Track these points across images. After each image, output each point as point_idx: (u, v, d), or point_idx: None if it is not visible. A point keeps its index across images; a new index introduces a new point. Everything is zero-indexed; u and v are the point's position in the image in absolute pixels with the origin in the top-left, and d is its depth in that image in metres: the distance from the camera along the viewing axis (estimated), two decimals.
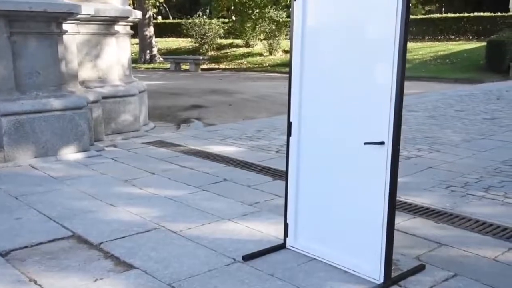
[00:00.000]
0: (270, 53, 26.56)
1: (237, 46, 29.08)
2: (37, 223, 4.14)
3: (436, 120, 8.87)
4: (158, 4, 30.57)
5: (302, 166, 3.48)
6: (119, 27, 7.82)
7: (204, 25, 28.44)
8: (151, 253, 3.55)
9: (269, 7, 26.10)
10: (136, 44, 27.63)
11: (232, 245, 3.67)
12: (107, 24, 7.54)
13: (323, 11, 3.24)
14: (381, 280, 3.09)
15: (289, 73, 3.42)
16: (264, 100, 13.08)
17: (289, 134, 3.47)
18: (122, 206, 4.53)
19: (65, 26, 6.50)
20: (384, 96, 2.91)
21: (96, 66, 7.57)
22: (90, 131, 6.59)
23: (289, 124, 3.46)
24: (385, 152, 2.95)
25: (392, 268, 3.15)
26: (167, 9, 41.43)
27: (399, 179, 3.10)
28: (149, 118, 9.11)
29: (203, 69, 24.33)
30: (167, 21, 39.25)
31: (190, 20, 28.93)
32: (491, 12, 25.86)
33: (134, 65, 17.40)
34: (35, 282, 3.15)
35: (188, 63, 24.44)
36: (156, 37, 29.39)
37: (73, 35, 6.97)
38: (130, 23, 8.30)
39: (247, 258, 3.45)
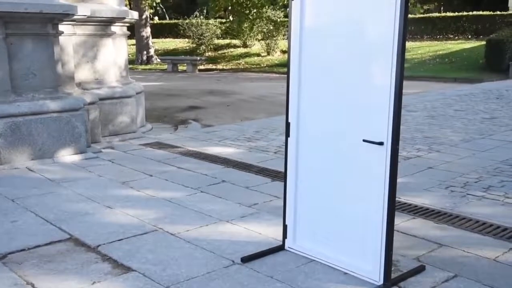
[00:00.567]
0: (268, 54, 26.56)
1: (235, 46, 29.07)
2: (34, 226, 4.12)
3: (435, 120, 8.86)
4: (154, 4, 30.52)
5: (300, 167, 3.46)
6: (116, 28, 7.79)
7: (201, 25, 28.42)
8: (149, 255, 3.54)
9: (267, 7, 26.08)
10: (133, 45, 27.59)
11: (231, 247, 3.65)
12: (104, 25, 7.51)
13: (321, 11, 3.22)
14: (381, 281, 3.08)
15: (287, 73, 3.40)
16: (262, 101, 13.07)
17: (287, 134, 3.46)
18: (119, 208, 4.51)
19: (61, 27, 6.47)
20: (383, 97, 2.90)
21: (93, 67, 7.54)
22: (87, 133, 6.56)
23: (288, 125, 3.44)
24: (384, 153, 2.94)
25: (392, 269, 3.14)
26: (164, 10, 41.41)
27: (399, 180, 3.09)
28: (147, 119, 9.09)
29: (200, 70, 24.31)
30: (164, 21, 39.22)
31: (187, 21, 28.90)
32: (490, 11, 25.88)
33: (131, 66, 17.38)
34: (33, 286, 3.13)
35: (185, 64, 24.40)
36: (153, 37, 29.35)
37: (69, 36, 6.94)
38: (127, 24, 8.27)
39: (246, 260, 3.43)
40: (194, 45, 28.84)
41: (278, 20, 26.21)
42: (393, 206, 3.02)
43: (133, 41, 27.37)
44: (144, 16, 26.81)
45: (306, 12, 3.23)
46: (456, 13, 27.36)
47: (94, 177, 5.56)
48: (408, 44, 21.20)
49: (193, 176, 5.52)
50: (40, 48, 6.09)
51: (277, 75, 21.06)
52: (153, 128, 8.87)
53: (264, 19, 26.25)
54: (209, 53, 28.27)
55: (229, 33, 29.06)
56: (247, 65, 25.30)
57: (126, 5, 10.32)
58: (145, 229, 4.02)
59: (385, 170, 2.96)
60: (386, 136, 2.92)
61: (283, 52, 25.51)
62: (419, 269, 3.28)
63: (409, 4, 2.83)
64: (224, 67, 25.38)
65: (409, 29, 25.27)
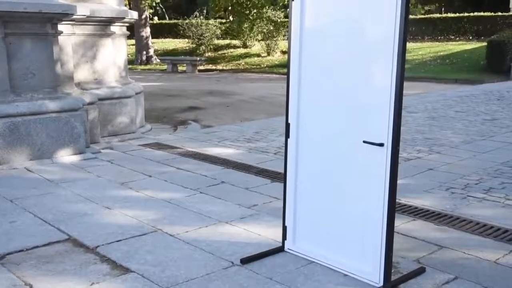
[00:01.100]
0: (268, 54, 26.54)
1: (235, 47, 29.05)
2: (33, 226, 4.10)
3: (436, 121, 8.85)
4: (154, 4, 30.49)
5: (300, 168, 3.44)
6: (115, 28, 7.77)
7: (201, 25, 28.40)
8: (148, 256, 3.52)
9: (267, 7, 26.07)
10: (132, 45, 27.57)
11: (230, 248, 3.64)
12: (103, 25, 7.50)
13: (322, 11, 3.21)
14: (381, 283, 3.06)
15: (287, 74, 3.38)
16: (262, 102, 13.06)
17: (287, 135, 3.44)
18: (118, 209, 4.49)
19: (60, 27, 6.45)
20: (383, 97, 2.89)
21: (92, 67, 7.52)
22: (86, 133, 6.55)
23: (287, 126, 3.43)
24: (385, 154, 2.92)
25: (392, 271, 3.12)
26: (164, 10, 41.39)
27: (399, 181, 3.08)
28: (146, 120, 9.07)
29: (200, 70, 24.29)
30: (164, 21, 39.20)
31: (187, 21, 28.88)
32: (491, 12, 25.86)
33: (130, 66, 17.36)
34: (31, 287, 3.12)
35: (185, 64, 24.39)
36: (152, 38, 29.32)
37: (69, 36, 6.92)
38: (126, 24, 8.26)
39: (245, 261, 3.42)
40: (194, 46, 28.83)
41: (278, 20, 26.20)
42: (393, 208, 3.01)
43: (133, 41, 27.34)
44: (143, 16, 26.80)
45: (306, 12, 3.22)
46: (457, 14, 27.35)
47: (93, 177, 5.54)
48: (409, 45, 21.20)
49: (192, 177, 5.50)
50: (39, 48, 6.07)
51: (277, 75, 21.05)
52: (152, 129, 8.86)
53: (264, 19, 26.25)
54: (209, 54, 28.26)
55: (229, 33, 29.04)
56: (247, 66, 25.29)
57: (125, 5, 10.30)
58: (144, 230, 4.00)
59: (385, 172, 2.94)
60: (386, 137, 2.91)
61: (283, 52, 25.49)
62: (419, 271, 3.26)
63: (409, 4, 2.82)
64: (224, 68, 25.37)
65: (410, 30, 25.30)
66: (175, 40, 32.31)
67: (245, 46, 28.53)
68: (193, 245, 3.71)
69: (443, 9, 36.54)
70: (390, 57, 2.83)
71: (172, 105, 12.34)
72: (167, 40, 33.74)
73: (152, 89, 14.95)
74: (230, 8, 28.12)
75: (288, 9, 3.48)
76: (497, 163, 5.93)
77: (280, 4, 26.18)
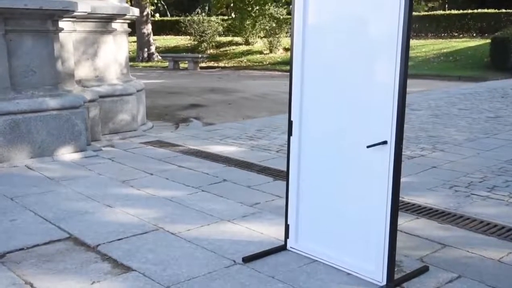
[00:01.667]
0: (271, 51, 26.51)
1: (237, 44, 29.02)
2: (33, 224, 4.09)
3: (439, 118, 8.81)
4: (156, 1, 30.48)
5: (303, 166, 3.42)
6: (116, 25, 7.75)
7: (203, 22, 28.38)
8: (149, 255, 3.51)
9: (269, 4, 26.01)
10: (134, 42, 27.55)
11: (232, 247, 3.62)
12: (104, 21, 7.47)
13: (324, 8, 3.18)
14: (384, 282, 3.05)
15: (290, 71, 3.36)
16: (264, 99, 13.04)
17: (290, 133, 3.42)
18: (119, 207, 4.48)
19: (61, 24, 6.43)
20: (387, 95, 2.86)
21: (93, 64, 7.50)
22: (87, 131, 6.53)
23: (290, 123, 3.40)
24: (388, 152, 2.90)
25: (395, 269, 3.11)
26: (165, 6, 41.35)
27: (402, 179, 3.06)
28: (147, 117, 9.06)
29: (202, 68, 24.28)
30: (165, 18, 39.17)
31: (188, 18, 28.86)
32: (495, 9, 25.74)
33: (131, 63, 17.36)
34: (31, 285, 3.11)
35: (186, 61, 24.37)
36: (154, 34, 29.31)
37: (69, 33, 6.90)
38: (128, 21, 8.23)
39: (248, 260, 3.40)
40: (196, 43, 28.81)
41: (281, 17, 26.17)
42: (397, 206, 2.99)
43: (134, 38, 27.33)
44: (145, 13, 26.77)
45: (309, 9, 3.19)
46: (461, 11, 27.25)
47: (94, 175, 5.52)
48: (412, 42, 21.13)
49: (194, 175, 5.48)
50: (40, 45, 6.05)
51: (280, 73, 21.03)
52: (154, 126, 8.85)
53: (266, 16, 26.20)
54: (211, 51, 28.23)
55: (231, 30, 29.00)
56: (249, 63, 25.26)
57: (127, 2, 10.27)
58: (145, 228, 3.98)
59: (388, 169, 2.92)
60: (389, 135, 2.88)
61: (286, 49, 25.45)
62: (423, 270, 3.25)
63: (413, 1, 2.79)
64: (226, 65, 25.35)
65: (413, 27, 25.18)
66: (177, 37, 32.30)
67: (247, 43, 28.49)
68: (194, 243, 3.69)
69: (446, 5, 36.42)
70: (393, 54, 2.80)
71: (174, 103, 12.33)
72: (168, 37, 33.71)
73: (153, 86, 14.93)
74: (232, 4, 28.05)
75: (290, 6, 3.45)
76: (501, 161, 5.90)
77: (283, 1, 26.13)
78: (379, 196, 2.99)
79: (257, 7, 26.04)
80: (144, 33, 27.54)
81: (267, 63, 24.66)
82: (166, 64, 25.26)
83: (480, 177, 5.27)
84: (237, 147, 6.84)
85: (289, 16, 22.67)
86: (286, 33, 25.56)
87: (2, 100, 5.80)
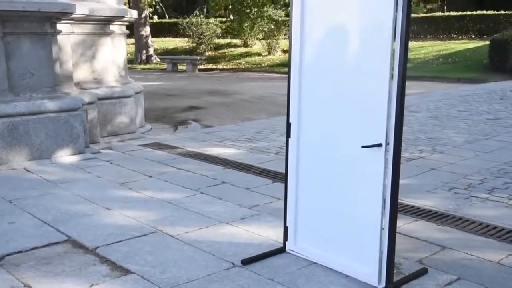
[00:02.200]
0: (269, 53, 26.51)
1: (235, 46, 29.02)
2: (32, 227, 4.08)
3: (438, 120, 8.82)
4: (154, 3, 30.46)
5: (301, 168, 3.41)
6: (115, 27, 7.74)
7: (201, 24, 28.36)
8: (148, 257, 3.50)
9: (268, 6, 26.02)
10: (132, 44, 27.54)
11: (231, 249, 3.61)
12: (102, 23, 7.47)
13: (322, 10, 3.16)
14: (383, 284, 3.04)
15: (288, 73, 3.35)
16: (263, 101, 13.03)
17: (288, 135, 3.41)
18: (118, 209, 4.47)
19: (59, 26, 6.42)
20: (381, 97, 2.84)
21: (91, 66, 7.49)
22: (85, 133, 6.52)
23: (288, 125, 3.40)
24: (383, 154, 2.89)
25: (394, 272, 3.10)
26: (164, 9, 41.29)
27: (401, 181, 3.05)
28: (146, 119, 9.05)
29: (200, 70, 24.27)
30: (164, 20, 39.15)
31: (187, 20, 28.84)
32: (494, 10, 25.74)
33: (130, 65, 17.30)
34: None
35: (185, 64, 24.36)
36: (152, 37, 29.29)
37: (68, 35, 6.89)
38: (126, 23, 8.23)
39: (246, 262, 3.39)
40: (194, 45, 28.79)
41: (279, 19, 26.17)
42: (396, 208, 2.98)
43: (132, 40, 27.32)
44: (143, 15, 26.78)
45: (307, 11, 3.19)
46: (460, 13, 27.25)
47: (92, 178, 5.51)
48: (411, 44, 21.15)
49: (192, 177, 5.47)
50: (38, 47, 6.04)
51: (278, 75, 21.00)
52: (152, 129, 8.84)
53: (265, 18, 26.20)
54: (209, 53, 28.22)
55: (230, 32, 29.00)
56: (247, 65, 25.26)
57: (125, 4, 10.27)
58: (144, 230, 3.97)
59: (383, 172, 2.91)
60: (384, 137, 2.87)
61: (284, 51, 25.44)
62: (422, 272, 3.24)
63: (412, 3, 2.79)
64: (225, 67, 25.34)
65: (412, 29, 25.20)
66: (175, 39, 32.29)
67: (245, 45, 28.50)
68: (193, 246, 3.68)
69: (445, 7, 36.42)
70: (387, 56, 2.78)
71: (172, 105, 12.32)
72: (167, 39, 33.71)
73: (152, 88, 14.92)
74: (230, 6, 28.05)
75: (289, 8, 3.45)
76: (500, 162, 5.90)
77: (281, 2, 26.14)
78: (374, 198, 2.98)
79: (256, 9, 26.05)
80: (142, 35, 27.53)
81: (266, 65, 24.66)
82: (165, 66, 25.25)
83: (479, 179, 5.27)
84: (235, 149, 6.83)
85: (287, 18, 22.65)
86: (285, 35, 25.55)
87: (0, 102, 5.79)
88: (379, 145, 2.89)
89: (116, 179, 5.43)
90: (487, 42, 20.08)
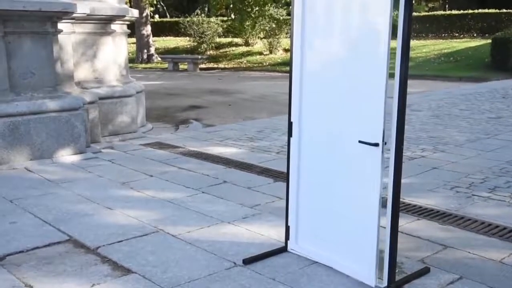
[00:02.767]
0: (270, 52, 26.49)
1: (237, 45, 29.02)
2: (33, 227, 4.08)
3: (440, 119, 8.81)
4: (155, 2, 30.47)
5: (302, 167, 3.40)
6: (116, 26, 7.74)
7: (202, 23, 28.37)
8: (149, 257, 3.49)
9: (269, 4, 25.99)
10: (133, 43, 27.54)
11: (233, 249, 3.61)
12: (103, 23, 7.46)
13: (322, 7, 3.15)
14: (385, 284, 3.03)
15: (290, 72, 3.34)
16: (264, 100, 13.03)
17: (289, 134, 3.40)
18: (119, 209, 4.46)
19: (60, 26, 6.42)
20: (378, 97, 2.82)
21: (92, 66, 7.49)
22: (86, 132, 6.52)
23: (290, 125, 3.38)
24: (380, 154, 2.87)
25: (396, 271, 3.09)
26: (165, 8, 41.38)
27: (403, 180, 3.04)
28: (147, 119, 9.04)
29: (201, 69, 24.27)
30: (165, 19, 39.17)
31: (188, 19, 28.85)
32: (496, 9, 25.71)
33: (131, 65, 17.32)
34: None
35: (186, 63, 24.37)
36: (153, 36, 29.30)
37: (69, 34, 6.89)
38: (127, 22, 8.22)
39: (248, 261, 3.39)
40: (195, 44, 28.80)
41: (281, 18, 26.15)
42: (398, 207, 2.97)
43: (134, 40, 27.32)
44: (144, 14, 26.77)
45: (307, 9, 3.17)
46: (462, 11, 27.22)
47: (93, 177, 5.51)
48: (413, 43, 21.11)
49: (194, 177, 5.47)
50: (39, 47, 6.04)
51: (280, 74, 21.00)
52: (153, 128, 8.83)
53: (266, 17, 26.17)
54: (211, 52, 28.22)
55: (231, 31, 28.99)
56: (249, 64, 25.26)
57: (126, 3, 10.27)
58: (146, 230, 3.97)
59: (380, 171, 2.89)
60: (381, 137, 2.85)
61: (286, 50, 25.44)
62: (424, 271, 3.23)
63: (413, 1, 2.77)
64: (226, 66, 25.34)
65: (414, 28, 25.15)
66: (176, 38, 32.29)
67: (247, 44, 28.49)
68: (195, 245, 3.68)
69: (447, 6, 36.39)
70: (384, 55, 2.76)
71: (174, 104, 12.32)
72: (168, 38, 33.71)
73: (153, 87, 14.92)
74: (231, 5, 28.03)
75: (290, 7, 3.43)
76: (502, 161, 5.88)
77: (283, 1, 26.11)
78: (371, 197, 2.95)
79: (257, 8, 26.02)
80: (143, 34, 27.53)
81: (267, 64, 24.66)
82: (166, 65, 25.25)
83: (481, 178, 5.26)
84: (237, 149, 6.83)
85: (289, 17, 22.66)
86: (286, 34, 25.54)
87: (1, 102, 5.79)
88: (376, 144, 2.87)
89: (118, 178, 5.43)
90: (489, 41, 20.05)
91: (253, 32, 27.37)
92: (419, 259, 3.41)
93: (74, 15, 6.49)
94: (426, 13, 30.54)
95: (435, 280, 3.13)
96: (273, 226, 4.00)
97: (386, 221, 2.97)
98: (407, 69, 2.79)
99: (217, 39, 29.25)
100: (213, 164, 6.00)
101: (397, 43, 2.75)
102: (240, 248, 3.61)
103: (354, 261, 3.14)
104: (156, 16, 39.71)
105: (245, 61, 25.98)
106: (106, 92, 7.49)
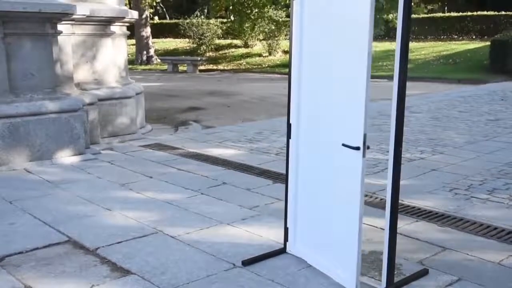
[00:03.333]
0: (270, 54, 26.51)
1: (236, 46, 29.03)
2: (32, 228, 4.08)
3: (439, 121, 8.81)
4: (155, 4, 30.49)
5: (300, 169, 3.40)
6: (115, 28, 7.74)
7: (202, 25, 28.38)
8: (148, 258, 3.50)
9: (268, 6, 26.00)
10: (133, 45, 27.55)
11: (232, 250, 3.61)
12: (103, 24, 7.47)
13: (317, 10, 3.13)
14: (384, 285, 3.02)
15: (289, 74, 3.35)
16: (263, 102, 13.03)
17: (288, 136, 3.41)
18: (118, 210, 4.47)
19: (60, 27, 6.42)
20: (359, 100, 2.76)
21: (92, 67, 7.49)
22: (86, 134, 6.52)
23: (289, 126, 3.39)
24: (360, 158, 2.80)
25: (395, 272, 3.09)
26: (164, 9, 41.40)
27: (402, 182, 3.04)
28: (146, 120, 9.04)
29: (201, 70, 24.27)
30: (164, 21, 39.19)
31: (187, 20, 28.86)
32: (495, 11, 25.76)
33: (130, 66, 17.34)
34: None
35: (185, 64, 24.36)
36: (153, 37, 29.31)
37: (68, 36, 6.90)
38: (127, 24, 8.23)
39: (247, 263, 3.39)
40: (195, 45, 28.80)
41: (280, 20, 26.15)
42: (396, 209, 2.97)
43: (133, 41, 27.33)
44: (144, 16, 26.79)
45: (305, 11, 3.18)
46: (460, 13, 27.27)
47: (93, 178, 5.51)
48: (412, 45, 21.11)
49: (193, 178, 5.47)
50: (39, 48, 6.05)
51: (279, 75, 20.98)
52: (153, 129, 8.83)
53: (265, 19, 26.18)
54: (210, 54, 28.23)
55: (230, 33, 29.02)
56: (248, 66, 25.26)
57: (125, 5, 10.28)
58: (145, 231, 3.97)
59: (361, 176, 2.82)
60: (361, 140, 2.78)
61: (285, 52, 25.45)
62: (422, 273, 3.24)
63: (412, 3, 2.78)
64: (225, 68, 25.34)
65: (413, 30, 25.21)
66: (176, 40, 32.30)
67: (246, 46, 28.50)
68: (194, 246, 3.68)
69: (446, 8, 36.43)
70: (364, 57, 2.71)
71: (173, 106, 12.31)
72: (167, 40, 33.72)
73: (152, 89, 14.92)
74: (231, 7, 28.04)
75: (290, 9, 3.44)
76: (501, 163, 5.89)
77: (282, 3, 26.12)
78: (353, 201, 2.89)
79: (256, 10, 26.02)
80: (143, 36, 27.54)
81: (266, 65, 24.66)
82: (165, 67, 25.26)
83: (480, 179, 5.26)
84: (236, 150, 6.83)
85: (288, 19, 22.64)
86: (285, 35, 25.55)
87: (1, 103, 5.79)
88: (357, 148, 2.81)
89: (117, 179, 5.43)
90: (488, 43, 20.07)
91: (253, 34, 27.37)
92: (417, 260, 3.41)
93: (74, 16, 6.50)
94: (425, 15, 30.57)
95: (433, 282, 3.13)
96: (272, 227, 4.00)
97: (385, 222, 2.97)
98: (406, 71, 2.78)
99: (217, 41, 29.27)
100: (213, 165, 6.00)
101: (396, 45, 2.76)
102: (239, 249, 3.61)
103: (338, 265, 3.11)
104: (156, 17, 39.72)
105: (244, 63, 25.99)
106: (105, 94, 7.49)
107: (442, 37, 26.58)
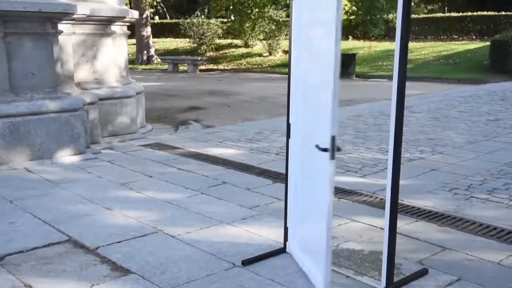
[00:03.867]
0: (270, 54, 26.52)
1: (236, 46, 29.04)
2: (32, 227, 4.08)
3: (439, 121, 8.82)
4: (155, 3, 30.50)
5: (299, 168, 3.40)
6: (116, 27, 7.74)
7: (202, 25, 28.40)
8: (148, 257, 3.50)
9: (269, 6, 26.02)
10: (133, 44, 27.57)
11: (231, 250, 3.61)
12: (103, 24, 7.47)
13: (314, 9, 3.13)
14: (383, 285, 3.02)
15: (288, 74, 3.35)
16: (263, 101, 13.03)
17: (288, 136, 3.41)
18: (119, 210, 4.47)
19: (60, 27, 6.43)
20: (327, 101, 2.68)
21: (92, 67, 7.50)
22: (86, 133, 6.52)
23: (288, 126, 3.39)
24: (328, 160, 2.69)
25: (395, 272, 3.08)
26: (165, 9, 41.42)
27: (401, 182, 3.04)
28: (147, 120, 9.05)
29: (201, 70, 24.28)
30: (165, 21, 39.22)
31: (188, 20, 28.88)
32: (495, 11, 25.78)
33: (131, 66, 17.34)
34: None
35: (186, 64, 24.37)
36: (153, 37, 29.33)
37: (69, 35, 6.90)
38: (127, 23, 8.23)
39: (247, 262, 3.39)
40: (195, 45, 28.83)
41: (280, 20, 26.17)
42: (396, 209, 2.97)
43: (134, 41, 27.36)
44: (144, 15, 26.81)
45: (304, 11, 3.18)
46: (460, 13, 27.28)
47: (93, 178, 5.51)
48: (412, 45, 21.16)
49: (193, 178, 5.47)
50: (39, 48, 6.05)
51: (279, 75, 21.00)
52: (153, 129, 8.83)
53: (266, 18, 26.21)
54: (210, 53, 28.25)
55: (231, 33, 29.03)
56: (248, 66, 25.27)
57: (126, 4, 10.28)
58: (145, 231, 3.98)
59: (329, 178, 2.70)
60: (329, 143, 2.65)
61: (285, 52, 25.44)
62: (422, 273, 3.23)
63: (411, 3, 2.77)
64: (226, 67, 25.35)
65: (413, 30, 25.24)
66: (176, 39, 32.33)
67: (246, 45, 28.51)
68: (194, 246, 3.68)
69: (446, 8, 36.44)
70: (331, 57, 2.61)
71: (173, 105, 12.32)
72: (168, 39, 33.75)
73: (153, 89, 14.93)
74: (231, 7, 28.05)
75: (289, 8, 3.44)
76: (500, 163, 5.89)
77: (282, 3, 26.13)
78: (323, 204, 2.79)
79: (257, 10, 26.05)
80: (143, 35, 27.56)
81: (267, 65, 24.68)
82: (166, 66, 25.27)
83: (480, 179, 5.26)
84: (236, 150, 6.83)
85: (288, 19, 22.62)
86: (286, 35, 25.54)
87: (2, 102, 5.80)
88: (325, 150, 2.69)
89: (117, 179, 5.44)
90: (488, 43, 20.10)
91: (253, 34, 27.39)
92: (417, 260, 3.41)
93: (74, 16, 6.50)
94: (425, 15, 30.58)
95: (433, 282, 3.13)
96: (272, 227, 4.00)
97: (385, 222, 2.97)
98: (405, 71, 2.78)
99: (217, 41, 29.29)
100: (213, 165, 6.00)
101: (396, 45, 2.76)
102: (239, 249, 3.61)
103: (314, 267, 3.06)
104: (156, 17, 39.76)
105: (244, 63, 26.00)
106: (106, 93, 7.49)
107: (442, 37, 26.59)
